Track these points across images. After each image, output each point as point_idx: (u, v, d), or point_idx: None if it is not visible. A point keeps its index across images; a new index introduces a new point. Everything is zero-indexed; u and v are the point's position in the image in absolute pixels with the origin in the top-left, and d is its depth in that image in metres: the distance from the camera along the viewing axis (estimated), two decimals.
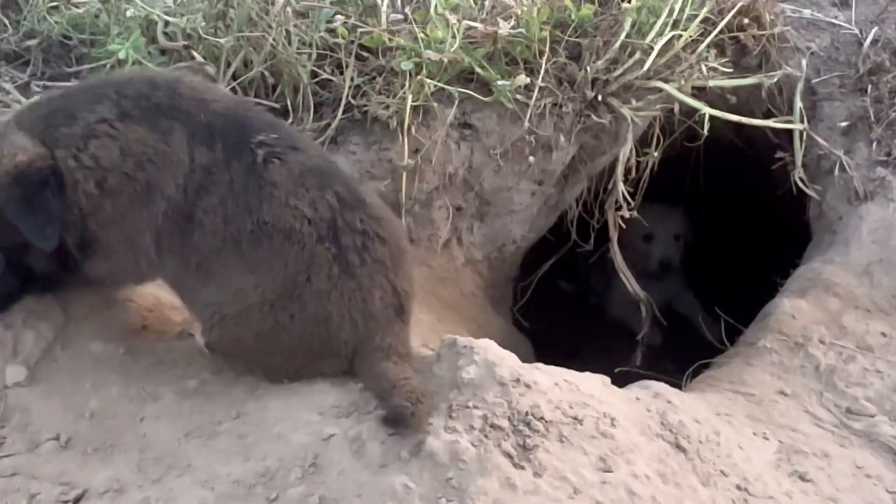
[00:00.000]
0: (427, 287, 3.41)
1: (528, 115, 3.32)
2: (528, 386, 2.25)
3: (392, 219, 2.70)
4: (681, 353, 3.85)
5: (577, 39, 3.46)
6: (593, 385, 2.43)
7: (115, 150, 2.45)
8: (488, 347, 2.33)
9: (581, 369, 2.89)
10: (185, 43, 3.27)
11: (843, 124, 3.66)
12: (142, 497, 2.15)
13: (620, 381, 2.80)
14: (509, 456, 2.10)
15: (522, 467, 2.09)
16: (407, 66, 3.21)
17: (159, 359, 2.53)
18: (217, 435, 2.27)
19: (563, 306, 4.95)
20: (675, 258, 4.65)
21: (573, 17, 3.44)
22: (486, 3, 3.41)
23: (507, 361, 2.30)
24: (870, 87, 3.69)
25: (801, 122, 3.60)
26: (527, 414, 2.19)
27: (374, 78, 3.33)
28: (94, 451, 2.30)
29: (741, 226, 4.61)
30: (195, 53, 3.25)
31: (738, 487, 2.40)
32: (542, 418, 2.20)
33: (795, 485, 2.55)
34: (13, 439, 2.33)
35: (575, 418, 2.25)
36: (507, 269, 3.78)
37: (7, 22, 3.61)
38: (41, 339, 2.50)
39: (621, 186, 3.50)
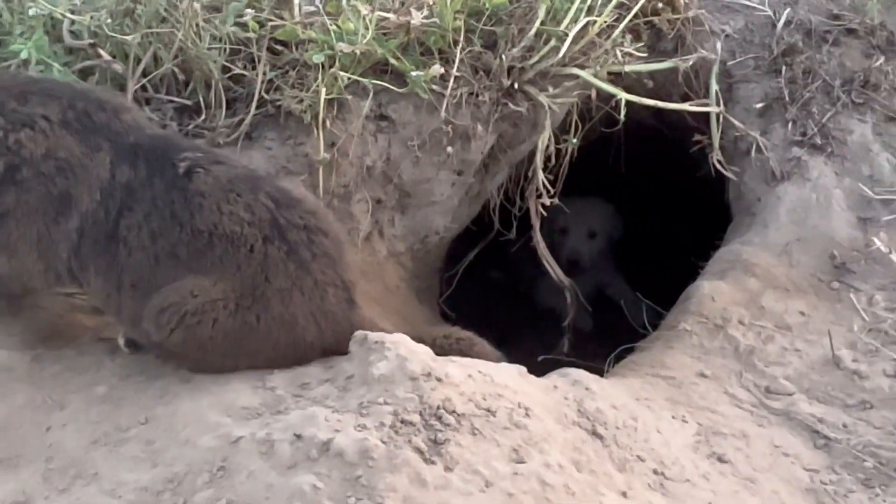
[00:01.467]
0: None
1: (444, 105, 3.30)
2: (439, 380, 2.23)
3: (326, 212, 2.76)
4: (611, 339, 3.87)
5: (491, 28, 3.44)
6: (508, 375, 2.42)
7: (42, 148, 2.47)
8: (400, 342, 2.31)
9: (511, 357, 2.89)
10: (92, 41, 3.20)
11: (759, 106, 3.69)
12: None
13: (548, 368, 2.81)
14: (420, 451, 2.08)
15: (433, 462, 2.07)
16: (318, 58, 3.17)
17: (68, 365, 2.48)
18: (125, 441, 2.23)
19: (494, 295, 4.95)
20: (586, 255, 4.66)
21: (487, 5, 3.42)
22: None
23: (419, 356, 2.28)
24: (784, 68, 3.72)
25: (717, 104, 3.62)
26: (438, 408, 2.17)
27: (287, 72, 3.29)
28: None
29: (666, 209, 4.64)
30: (102, 52, 3.18)
31: (655, 472, 2.41)
32: (453, 412, 2.18)
33: (713, 466, 2.57)
34: None
35: (488, 410, 2.24)
36: (432, 260, 3.76)
37: None
38: None
39: (541, 174, 3.50)
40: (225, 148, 3.23)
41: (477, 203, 3.73)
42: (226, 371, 2.43)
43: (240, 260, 2.45)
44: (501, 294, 4.99)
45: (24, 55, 3.03)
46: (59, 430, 2.29)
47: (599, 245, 4.70)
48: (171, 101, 3.29)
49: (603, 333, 4.45)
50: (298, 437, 2.07)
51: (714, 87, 3.64)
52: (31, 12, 3.12)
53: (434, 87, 3.30)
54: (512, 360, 4.14)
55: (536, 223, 3.64)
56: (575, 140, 3.54)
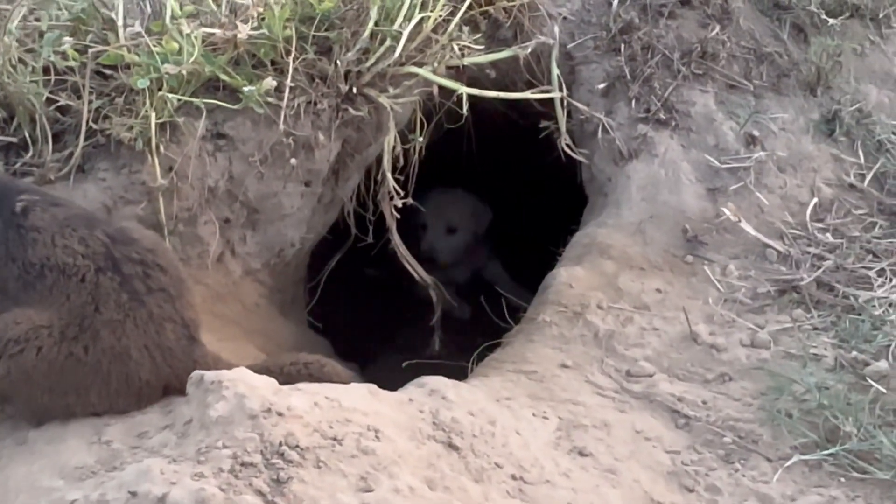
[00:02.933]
0: (204, 306, 3.28)
1: (282, 117, 3.22)
2: (280, 414, 2.18)
3: (166, 249, 2.75)
4: (491, 327, 3.86)
5: (324, 33, 3.36)
6: (357, 397, 2.38)
7: None
8: (238, 379, 2.25)
9: (388, 357, 2.84)
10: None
11: (602, 86, 3.70)
12: None
13: (423, 370, 2.80)
14: (261, 494, 2.03)
15: (275, 503, 2.02)
16: (143, 83, 3.07)
17: None
18: None
19: (373, 294, 4.90)
20: (444, 250, 4.65)
21: (317, 10, 3.35)
22: (223, 7, 3.28)
23: (259, 391, 2.22)
24: (623, 45, 3.74)
25: (560, 89, 3.62)
26: (280, 444, 2.12)
27: (114, 98, 3.17)
28: None
29: (529, 195, 4.64)
30: None
31: (514, 477, 2.40)
32: (297, 446, 2.13)
33: (574, 461, 2.57)
34: None
35: (334, 439, 2.19)
36: (293, 272, 3.69)
37: None
38: None
39: (390, 176, 3.45)
40: (57, 183, 3.11)
41: (333, 210, 3.67)
42: (57, 412, 2.38)
43: (70, 289, 2.43)
44: (381, 291, 4.94)
45: None
46: None
47: (463, 238, 4.69)
48: None
49: (482, 322, 4.45)
50: (133, 494, 1.99)
51: (555, 71, 3.63)
52: None
53: (270, 99, 3.22)
54: (390, 358, 4.14)
55: (392, 225, 3.60)
56: (421, 138, 3.51)
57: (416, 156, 3.54)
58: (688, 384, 2.96)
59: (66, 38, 3.16)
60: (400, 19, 3.36)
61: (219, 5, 3.35)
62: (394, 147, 3.46)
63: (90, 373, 2.39)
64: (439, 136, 3.72)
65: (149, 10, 3.34)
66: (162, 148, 3.12)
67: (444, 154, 3.79)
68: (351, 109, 3.34)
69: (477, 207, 4.73)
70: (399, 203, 3.50)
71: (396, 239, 3.65)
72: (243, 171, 3.28)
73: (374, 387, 2.49)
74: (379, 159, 3.56)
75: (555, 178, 4.20)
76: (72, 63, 3.16)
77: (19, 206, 2.54)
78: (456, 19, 3.45)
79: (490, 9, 3.64)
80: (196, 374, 2.28)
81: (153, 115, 3.08)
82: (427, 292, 4.70)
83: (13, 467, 2.20)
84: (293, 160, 3.30)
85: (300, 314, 3.84)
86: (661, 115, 3.61)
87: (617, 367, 3.01)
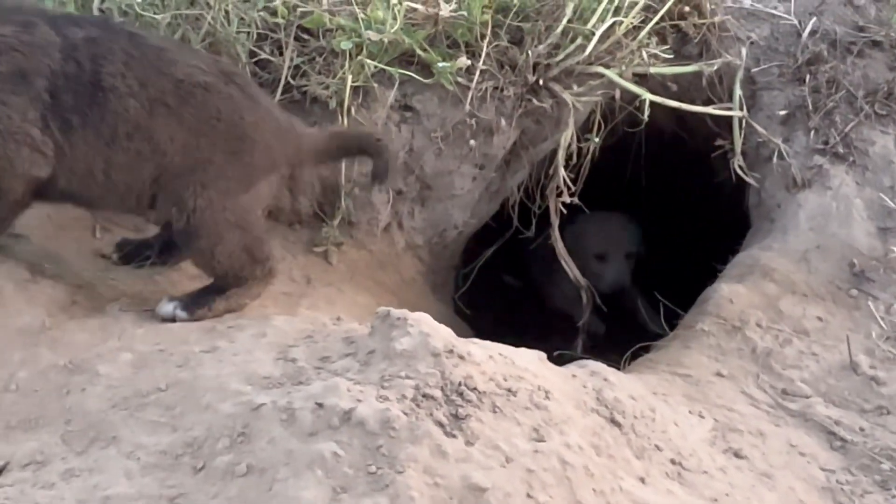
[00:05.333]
0: (366, 271, 3.39)
1: (468, 98, 3.31)
2: (461, 357, 2.23)
3: None
4: (623, 343, 3.86)
5: (519, 24, 3.45)
6: (529, 359, 2.41)
7: None
8: (422, 319, 2.31)
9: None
10: (121, 20, 3.21)
11: (782, 113, 3.69)
12: (65, 468, 2.10)
13: (562, 364, 2.81)
14: (441, 425, 2.08)
15: (454, 436, 2.07)
16: (346, 46, 3.18)
17: (92, 333, 2.48)
18: (145, 406, 2.22)
19: (506, 298, 4.94)
20: (628, 279, 4.62)
21: (515, 1, 3.43)
22: None
23: (441, 333, 2.28)
24: (808, 76, 3.72)
25: (741, 109, 3.62)
26: (460, 384, 2.17)
27: (313, 59, 3.29)
28: (18, 424, 2.24)
29: (684, 213, 4.64)
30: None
31: (673, 461, 2.40)
32: (475, 389, 2.18)
33: (730, 461, 2.56)
34: None
35: (509, 390, 2.23)
36: (449, 255, 3.76)
37: None
38: None
39: (562, 172, 3.50)
40: None
41: (496, 199, 3.73)
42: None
43: (218, 104, 2.63)
44: (514, 298, 4.98)
45: None
46: (79, 393, 2.28)
47: (632, 265, 4.67)
48: None
49: (615, 338, 4.45)
50: (320, 405, 2.06)
51: (738, 92, 3.64)
52: None
53: (459, 79, 3.31)
54: None
55: (556, 221, 3.64)
56: (597, 139, 3.54)
57: (590, 157, 3.57)
58: (844, 411, 2.92)
59: None
60: (594, 20, 3.42)
61: None
62: (569, 144, 3.50)
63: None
64: (608, 142, 3.74)
65: None
66: (353, 111, 3.22)
67: (606, 162, 3.81)
68: (535, 100, 3.41)
69: (640, 234, 4.71)
70: (567, 199, 3.53)
71: (556, 234, 3.68)
72: (423, 146, 3.36)
73: (542, 354, 2.52)
74: (550, 155, 3.61)
75: (713, 200, 4.21)
76: (279, 20, 3.29)
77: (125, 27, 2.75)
78: (647, 28, 3.50)
79: (681, 23, 3.67)
80: (382, 309, 2.34)
81: (349, 77, 3.19)
82: (559, 303, 4.76)
83: (200, 370, 2.29)
84: (472, 141, 3.38)
85: (448, 297, 3.89)
86: (839, 150, 3.58)
87: (773, 384, 2.99)
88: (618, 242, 4.63)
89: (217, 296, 2.71)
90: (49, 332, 2.47)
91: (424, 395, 2.11)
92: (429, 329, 2.26)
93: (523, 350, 2.49)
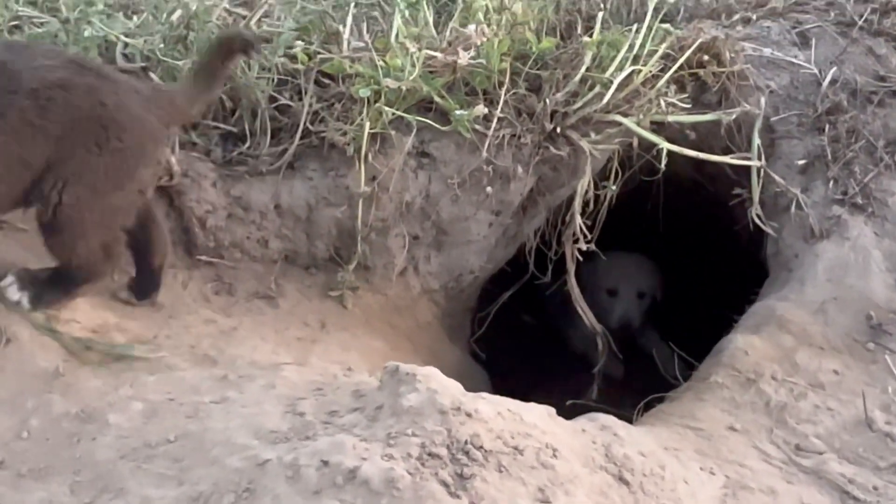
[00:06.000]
0: (382, 316, 3.41)
1: (486, 146, 3.33)
2: (468, 415, 2.23)
3: None
4: (641, 387, 3.85)
5: (537, 71, 3.48)
6: (537, 415, 2.41)
7: None
8: (431, 375, 2.31)
9: (540, 401, 2.88)
10: (144, 64, 3.26)
11: (801, 162, 3.68)
12: None
13: (576, 413, 2.80)
14: (445, 485, 2.08)
15: (458, 496, 2.07)
16: (364, 93, 3.21)
17: (104, 380, 2.50)
18: (153, 458, 2.24)
19: (524, 338, 4.94)
20: (637, 317, 4.63)
21: (534, 49, 3.46)
22: (447, 34, 3.41)
23: (450, 390, 2.29)
24: (827, 126, 3.71)
25: (759, 159, 3.61)
26: (466, 443, 2.17)
27: (332, 104, 3.33)
28: (28, 472, 2.26)
29: (701, 260, 4.63)
30: (153, 75, 3.24)
31: None
32: (481, 447, 2.18)
33: None
34: None
35: (516, 448, 2.23)
36: (465, 299, 3.77)
37: None
38: None
39: (579, 219, 3.50)
40: (267, 176, 3.28)
41: (513, 244, 3.74)
42: None
43: None
44: (532, 338, 4.98)
45: None
46: (89, 442, 2.31)
47: (645, 305, 4.68)
48: (217, 128, 3.33)
49: (632, 382, 4.43)
50: (325, 463, 2.07)
51: (756, 141, 3.63)
52: (86, 34, 3.18)
53: (477, 126, 3.33)
54: (541, 400, 4.16)
55: (572, 268, 3.64)
56: (614, 187, 3.54)
57: (606, 204, 3.58)
58: (858, 468, 2.89)
59: (298, 42, 3.33)
60: (612, 68, 3.44)
61: (439, 32, 3.48)
62: (586, 191, 3.51)
63: None
64: (626, 189, 3.74)
65: (378, 26, 3.49)
66: (370, 157, 3.25)
67: (623, 208, 3.81)
68: (552, 148, 3.42)
69: (657, 275, 4.72)
70: (584, 247, 3.54)
71: (573, 281, 3.68)
72: (440, 192, 3.38)
73: (552, 410, 2.52)
74: (567, 201, 3.62)
75: (730, 248, 4.20)
76: (299, 66, 3.33)
77: None
78: (667, 76, 3.51)
79: (700, 72, 3.67)
80: (391, 364, 2.35)
81: (367, 124, 3.22)
82: (577, 345, 4.76)
83: (210, 421, 2.31)
84: (489, 188, 3.39)
85: (464, 341, 3.90)
86: (858, 200, 3.57)
87: (786, 439, 2.96)
88: (629, 279, 4.64)
89: (65, 294, 2.73)
90: (62, 379, 2.50)
91: (430, 454, 2.12)
92: (437, 385, 2.27)
93: (532, 405, 2.49)
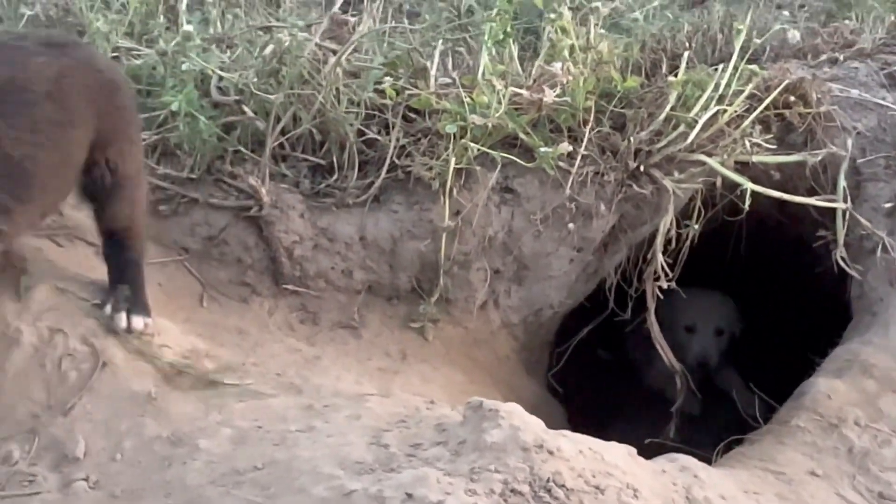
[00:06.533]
0: (462, 348, 3.45)
1: (569, 183, 3.36)
2: (551, 452, 2.25)
3: None
4: (718, 426, 3.83)
5: (621, 110, 3.50)
6: (618, 455, 2.42)
7: None
8: (513, 412, 2.34)
9: (616, 438, 2.89)
10: (237, 98, 3.36)
11: (888, 205, 3.64)
12: None
13: (653, 451, 2.80)
14: None
15: None
16: (451, 129, 3.26)
17: (194, 405, 2.58)
18: (241, 484, 2.29)
19: (601, 374, 4.93)
20: (715, 355, 4.59)
21: (619, 87, 3.49)
22: (533, 71, 3.46)
23: (532, 427, 2.31)
24: None
25: (845, 201, 3.59)
26: (548, 480, 2.19)
27: (419, 139, 3.39)
28: (121, 494, 2.33)
29: (781, 302, 4.59)
30: (246, 108, 3.33)
31: None
32: (563, 486, 2.20)
33: None
34: (44, 477, 2.38)
35: (597, 487, 2.25)
36: (544, 333, 3.79)
37: None
38: (81, 378, 2.57)
39: (660, 257, 3.51)
40: (353, 208, 3.35)
41: (593, 280, 3.76)
42: None
43: None
44: (608, 373, 4.97)
45: (174, 107, 3.19)
46: (180, 466, 2.37)
47: (724, 343, 4.65)
48: (306, 160, 3.42)
49: (708, 420, 4.41)
50: (409, 496, 2.11)
51: (842, 183, 3.61)
52: (183, 67, 3.29)
53: (561, 163, 3.37)
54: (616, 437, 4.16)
55: (652, 305, 3.65)
56: (697, 226, 3.55)
57: (688, 243, 3.58)
58: None
59: (387, 78, 3.40)
60: (697, 108, 3.46)
61: (525, 69, 3.53)
62: (668, 229, 3.52)
63: None
64: (711, 227, 3.74)
65: (464, 62, 3.55)
66: (455, 192, 3.30)
67: (705, 246, 3.80)
68: (635, 186, 3.45)
69: (736, 313, 4.69)
70: (665, 285, 3.54)
71: (652, 318, 3.68)
72: (522, 228, 3.42)
73: (632, 449, 2.53)
74: (648, 239, 3.63)
75: (812, 290, 4.16)
76: (387, 101, 3.40)
77: None
78: (752, 117, 3.51)
79: (786, 112, 3.66)
80: (474, 399, 2.39)
81: (453, 159, 3.27)
82: (654, 382, 4.74)
83: (297, 450, 2.36)
84: (571, 225, 3.42)
85: (542, 376, 3.92)
86: None
87: (869, 486, 2.93)
88: (708, 316, 4.62)
89: (142, 290, 2.86)
90: (154, 403, 2.57)
91: (512, 491, 2.14)
92: (519, 422, 2.29)
93: (613, 444, 2.50)
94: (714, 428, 4.01)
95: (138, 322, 2.75)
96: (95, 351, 2.65)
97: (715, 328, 4.61)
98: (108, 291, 2.80)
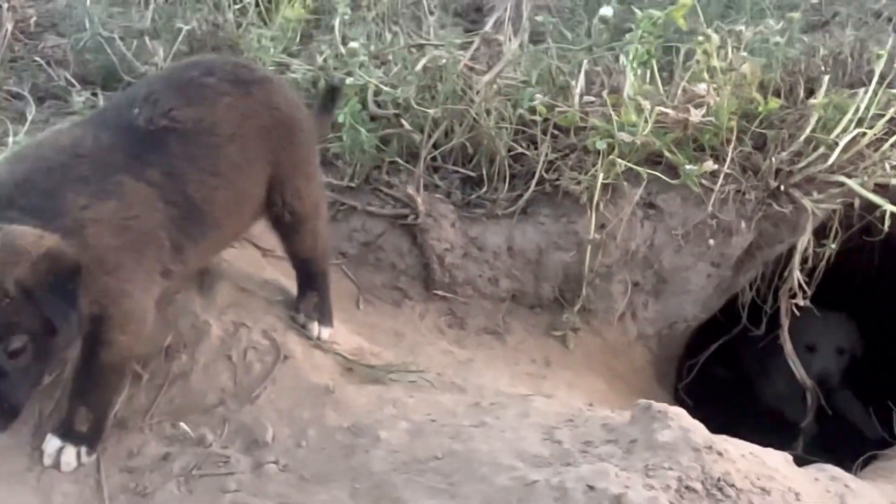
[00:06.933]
0: (601, 357, 3.56)
1: (711, 200, 3.47)
2: (720, 454, 2.36)
3: None
4: (836, 447, 3.87)
5: (763, 130, 3.60)
6: (778, 460, 2.52)
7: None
8: (681, 414, 2.46)
9: None
10: (396, 111, 3.53)
11: None
12: None
13: None
14: None
15: None
16: (601, 145, 3.40)
17: (369, 399, 2.73)
18: (424, 472, 2.44)
19: (716, 390, 4.99)
20: (836, 373, 4.62)
21: (761, 109, 3.59)
22: (678, 91, 3.57)
23: (700, 429, 2.42)
24: None
25: None
26: (719, 480, 2.30)
27: (567, 154, 3.52)
28: (310, 477, 2.49)
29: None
30: (404, 122, 3.50)
31: None
32: (733, 485, 2.30)
33: None
34: (237, 459, 2.55)
35: (763, 489, 2.35)
36: (675, 346, 3.89)
37: None
38: (264, 369, 2.74)
39: (797, 274, 3.59)
40: (502, 219, 3.49)
41: (725, 295, 3.85)
42: None
43: None
44: (723, 390, 5.02)
45: (339, 118, 3.37)
46: (363, 454, 2.53)
47: (844, 361, 4.68)
48: (457, 172, 3.58)
49: (827, 441, 4.44)
50: (591, 487, 2.23)
51: None
52: (348, 81, 3.46)
53: (703, 181, 3.47)
54: None
55: (786, 323, 3.72)
56: (834, 245, 3.62)
57: (825, 262, 3.65)
58: None
59: (538, 95, 3.54)
60: (838, 130, 3.53)
61: (669, 89, 3.65)
62: (805, 248, 3.60)
63: None
64: (849, 245, 3.80)
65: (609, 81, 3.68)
66: (601, 206, 3.43)
67: (842, 264, 3.85)
68: (775, 205, 3.54)
69: (857, 334, 4.72)
70: (801, 302, 3.62)
71: (785, 335, 3.75)
72: (664, 242, 3.54)
73: (789, 456, 2.62)
74: (783, 256, 3.71)
75: None
76: (536, 118, 3.54)
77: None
78: (892, 140, 3.58)
79: None
80: (643, 402, 2.51)
81: (601, 175, 3.40)
82: (771, 400, 4.78)
83: (473, 443, 2.50)
84: (711, 241, 3.53)
85: (671, 387, 4.01)
86: None
87: None
88: (830, 335, 4.64)
89: (328, 300, 3.04)
90: (332, 395, 2.74)
91: (687, 488, 2.26)
92: (688, 424, 2.41)
93: (770, 450, 2.59)
94: (831, 449, 4.04)
95: (325, 333, 2.96)
96: (276, 345, 2.83)
97: (836, 348, 4.64)
98: (298, 298, 2.99)
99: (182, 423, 2.64)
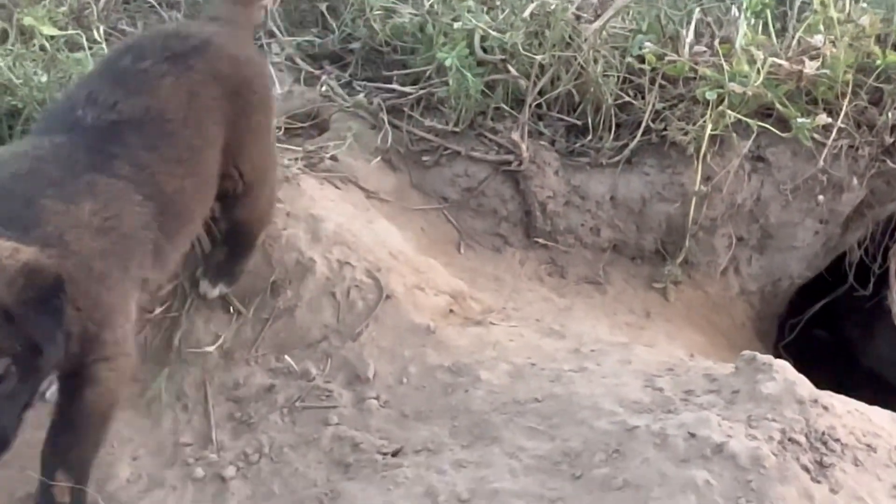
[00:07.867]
0: (701, 311, 3.53)
1: (823, 155, 3.38)
2: (825, 408, 2.33)
3: None
4: None
5: (879, 85, 3.49)
6: (884, 418, 2.48)
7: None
8: (786, 367, 2.43)
9: None
10: (503, 57, 3.51)
11: None
12: (454, 459, 2.37)
13: None
14: (807, 469, 2.19)
15: (819, 482, 2.18)
16: (711, 95, 3.33)
17: (469, 340, 2.76)
18: (523, 413, 2.46)
19: (813, 352, 4.91)
20: None
21: (879, 62, 3.47)
22: (793, 43, 3.48)
23: (805, 382, 2.39)
24: None
25: None
26: (823, 434, 2.27)
27: (674, 105, 3.47)
28: (410, 413, 2.54)
29: None
30: (510, 68, 3.48)
31: None
32: (837, 440, 2.27)
33: None
34: (339, 393, 2.61)
35: (868, 445, 2.31)
36: (777, 304, 3.82)
37: (334, 24, 3.95)
38: (367, 308, 2.79)
39: None
40: (606, 168, 3.46)
41: (832, 254, 3.76)
42: None
43: None
44: (824, 352, 4.94)
45: (447, 62, 3.37)
46: (462, 394, 2.56)
47: None
48: (562, 120, 3.55)
49: None
50: (692, 435, 2.23)
51: None
52: (455, 26, 3.46)
53: (815, 135, 3.39)
54: None
55: (894, 284, 3.63)
56: None
57: None
58: None
59: (647, 44, 3.49)
60: None
61: (782, 40, 3.55)
62: None
63: None
64: None
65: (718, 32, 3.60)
66: (708, 158, 3.37)
67: None
68: (889, 161, 3.44)
69: None
70: None
71: (894, 297, 3.66)
72: (771, 197, 3.47)
73: (894, 414, 2.57)
74: (894, 216, 3.62)
75: None
76: (644, 66, 3.48)
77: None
78: None
79: None
80: (747, 353, 2.48)
81: (709, 125, 3.34)
82: (872, 362, 4.67)
83: (574, 387, 2.52)
84: (821, 197, 3.45)
85: (770, 346, 3.95)
86: None
87: None
88: None
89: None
90: (433, 336, 2.77)
91: (790, 440, 2.24)
92: (794, 377, 2.38)
93: (876, 408, 2.55)
94: None
95: (214, 292, 2.81)
96: (379, 284, 2.86)
97: None
98: (210, 252, 2.87)
99: (287, 357, 2.70)
